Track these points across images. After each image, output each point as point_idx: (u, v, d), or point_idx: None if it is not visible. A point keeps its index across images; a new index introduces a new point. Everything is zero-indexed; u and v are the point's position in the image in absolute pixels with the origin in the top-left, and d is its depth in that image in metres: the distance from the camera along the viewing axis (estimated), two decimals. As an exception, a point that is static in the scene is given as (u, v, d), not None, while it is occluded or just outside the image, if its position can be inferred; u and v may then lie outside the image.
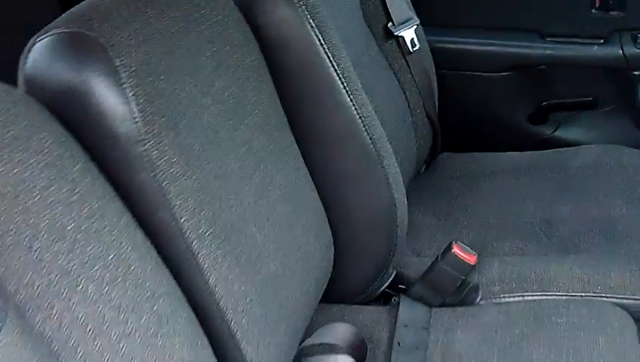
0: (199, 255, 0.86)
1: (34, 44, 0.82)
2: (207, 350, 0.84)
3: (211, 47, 0.98)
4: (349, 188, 1.21)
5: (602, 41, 1.70)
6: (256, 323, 0.92)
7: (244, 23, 1.07)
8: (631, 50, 1.68)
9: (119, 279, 0.76)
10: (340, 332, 1.13)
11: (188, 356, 0.81)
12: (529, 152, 1.66)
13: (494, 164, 1.64)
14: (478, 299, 1.23)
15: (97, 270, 0.74)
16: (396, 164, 1.22)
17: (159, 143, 0.83)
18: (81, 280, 0.73)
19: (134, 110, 0.81)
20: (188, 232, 0.85)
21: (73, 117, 0.80)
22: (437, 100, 1.67)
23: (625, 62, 1.68)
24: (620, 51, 1.68)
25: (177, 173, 0.84)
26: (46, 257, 0.71)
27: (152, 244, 0.82)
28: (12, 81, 0.82)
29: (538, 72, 1.76)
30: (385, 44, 1.52)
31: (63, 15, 0.85)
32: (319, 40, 1.13)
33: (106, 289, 0.74)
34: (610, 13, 1.68)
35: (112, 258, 0.76)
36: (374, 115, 1.20)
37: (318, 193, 1.17)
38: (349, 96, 1.15)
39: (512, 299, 1.21)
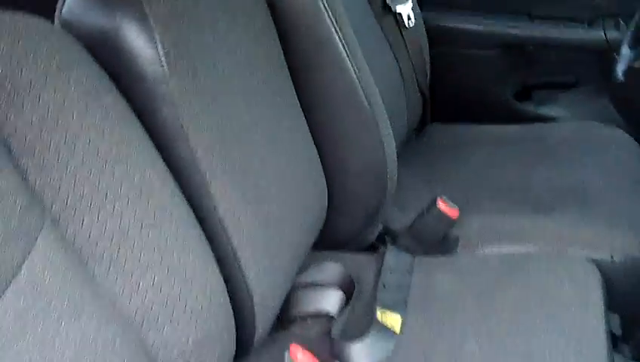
0: (211, 185, 0.97)
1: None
2: (215, 269, 0.95)
3: (226, 6, 1.09)
4: (344, 145, 1.31)
5: (586, 24, 1.81)
6: (257, 252, 1.03)
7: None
8: (613, 34, 1.79)
9: (142, 198, 0.86)
10: (329, 269, 1.24)
11: (199, 271, 0.92)
12: (512, 125, 1.78)
13: (480, 135, 1.76)
14: (457, 250, 1.35)
15: (124, 189, 0.85)
16: (389, 125, 1.33)
17: (180, 84, 0.94)
18: (110, 196, 0.83)
19: (161, 53, 0.91)
20: (202, 165, 0.96)
21: (105, 57, 0.90)
22: (429, 74, 1.78)
23: (606, 45, 1.79)
24: (603, 35, 1.80)
25: (195, 111, 0.95)
26: (79, 175, 0.82)
27: (170, 173, 0.93)
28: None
29: (525, 51, 1.87)
30: (383, 18, 1.63)
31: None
32: (324, 6, 1.23)
33: (130, 206, 0.85)
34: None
35: (137, 179, 0.86)
36: (371, 80, 1.31)
37: (316, 148, 1.28)
38: (350, 61, 1.26)
39: (489, 251, 1.33)
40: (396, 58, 1.64)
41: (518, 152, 1.66)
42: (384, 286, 1.23)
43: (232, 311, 0.97)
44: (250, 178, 1.04)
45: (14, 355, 0.71)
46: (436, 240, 1.36)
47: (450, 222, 1.35)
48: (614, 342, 1.18)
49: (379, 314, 1.15)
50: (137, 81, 0.91)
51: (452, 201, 1.38)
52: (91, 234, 0.82)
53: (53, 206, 0.80)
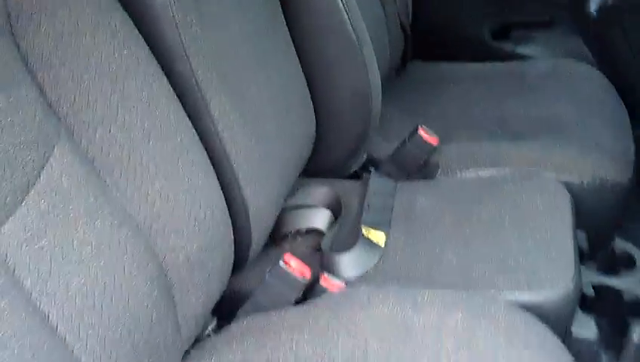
0: (210, 105, 1.04)
1: None
2: (215, 182, 1.03)
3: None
4: (331, 75, 1.38)
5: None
6: (253, 168, 1.11)
7: None
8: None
9: (149, 113, 0.93)
10: (318, 192, 1.33)
11: (201, 183, 0.99)
12: (490, 63, 1.85)
13: (459, 72, 1.84)
14: (437, 175, 1.43)
15: (132, 103, 0.92)
16: (374, 56, 1.40)
17: (183, 9, 1.00)
18: (120, 110, 0.90)
19: None
20: (202, 84, 1.02)
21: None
22: (410, 12, 1.85)
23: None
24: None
25: (196, 35, 1.02)
26: (92, 89, 0.88)
27: (173, 92, 1.00)
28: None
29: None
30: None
31: None
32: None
33: (139, 120, 0.92)
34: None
35: (144, 95, 0.93)
36: (358, 12, 1.38)
37: (305, 78, 1.35)
38: None
39: (467, 175, 1.42)
40: (380, -6, 1.70)
41: (495, 88, 1.73)
42: (368, 207, 1.31)
43: (230, 222, 1.05)
44: (245, 100, 1.11)
45: (37, 251, 0.79)
46: (417, 167, 1.44)
47: (431, 149, 1.43)
48: (581, 256, 1.28)
49: (364, 231, 1.23)
50: (146, 7, 0.97)
51: (432, 131, 1.46)
52: (103, 145, 0.88)
53: (68, 118, 0.86)
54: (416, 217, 1.29)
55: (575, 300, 1.13)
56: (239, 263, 1.12)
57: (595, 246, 1.35)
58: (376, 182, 1.38)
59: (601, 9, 1.76)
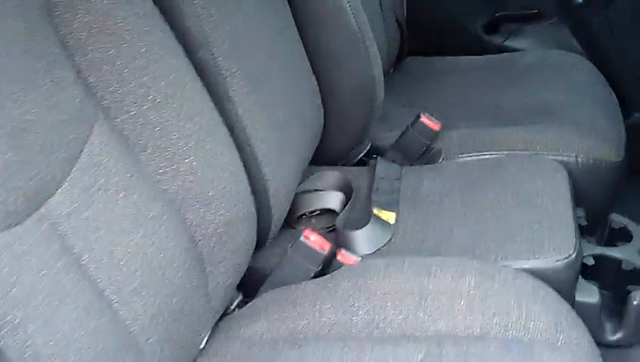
0: (231, 89, 1.10)
1: None
2: (239, 161, 1.09)
3: None
4: (336, 66, 1.45)
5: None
6: (272, 151, 1.17)
7: None
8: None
9: (177, 95, 0.99)
10: (329, 176, 1.39)
11: (227, 161, 1.05)
12: (483, 56, 1.93)
13: (453, 65, 1.91)
14: (440, 160, 1.50)
15: (162, 85, 0.98)
16: (376, 47, 1.47)
17: (205, 2, 1.07)
18: (151, 91, 0.96)
19: None
20: (223, 70, 1.09)
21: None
22: (405, 9, 1.92)
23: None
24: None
25: (216, 23, 1.08)
26: (125, 72, 0.94)
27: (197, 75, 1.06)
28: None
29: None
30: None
31: None
32: None
33: (169, 101, 0.98)
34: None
35: (172, 78, 0.99)
36: (360, 5, 1.44)
37: (312, 69, 1.42)
38: None
39: (468, 158, 1.48)
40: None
41: (489, 79, 1.81)
42: (377, 189, 1.37)
43: (253, 200, 1.11)
44: (260, 85, 1.17)
45: (84, 221, 0.84)
46: (420, 153, 1.50)
47: (433, 135, 1.50)
48: (580, 232, 1.34)
49: (375, 211, 1.29)
50: (169, -2, 1.04)
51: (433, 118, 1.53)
52: (137, 124, 0.94)
53: (105, 98, 0.92)
54: (423, 198, 1.35)
55: (578, 267, 1.20)
56: (260, 241, 1.17)
57: (593, 222, 1.41)
58: (382, 166, 1.44)
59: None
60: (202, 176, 1.00)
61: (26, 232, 0.77)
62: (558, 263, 1.15)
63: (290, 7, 1.37)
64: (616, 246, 1.37)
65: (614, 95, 1.76)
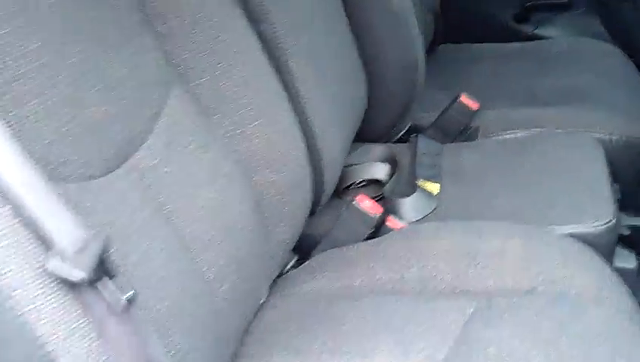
0: (290, 62, 1.17)
1: None
2: (298, 130, 1.15)
3: None
4: (381, 48, 1.51)
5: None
6: (325, 121, 1.24)
7: None
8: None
9: (243, 63, 1.07)
10: (374, 150, 1.45)
11: (288, 128, 1.13)
12: (515, 43, 1.99)
13: (486, 51, 1.97)
14: (478, 138, 1.56)
15: (230, 54, 1.05)
16: (417, 27, 1.54)
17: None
18: (222, 59, 1.03)
19: None
20: (282, 44, 1.16)
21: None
22: (439, -2, 1.99)
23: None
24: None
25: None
26: (199, 40, 1.01)
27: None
28: None
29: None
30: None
31: None
32: None
33: (237, 68, 1.05)
34: None
35: (238, 48, 1.06)
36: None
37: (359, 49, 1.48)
38: None
39: (507, 136, 1.54)
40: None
41: (522, 64, 1.86)
42: (420, 163, 1.43)
43: (310, 166, 1.17)
44: (315, 60, 1.24)
45: (166, 174, 0.91)
46: (459, 131, 1.56)
47: (471, 114, 1.56)
48: (616, 206, 1.40)
49: (420, 183, 1.35)
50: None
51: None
52: (209, 88, 1.02)
53: (181, 64, 0.99)
54: (464, 172, 1.41)
55: (616, 233, 1.25)
56: (313, 207, 1.24)
57: (627, 196, 1.47)
58: (423, 143, 1.50)
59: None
60: (266, 140, 1.07)
61: (118, 179, 0.83)
62: (599, 228, 1.21)
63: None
64: (650, 217, 1.43)
65: (645, 80, 1.82)
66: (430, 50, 1.99)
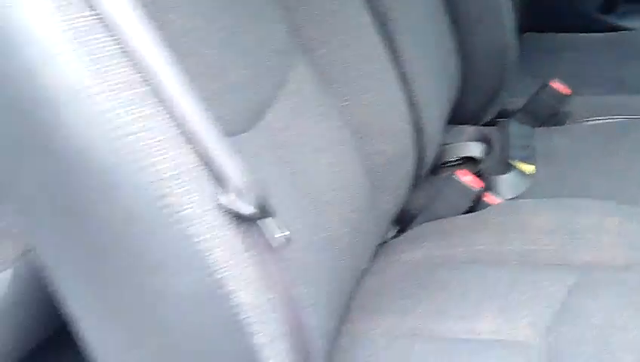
0: (397, 37, 1.21)
1: None
2: (405, 103, 1.20)
3: None
4: (475, 31, 1.55)
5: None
6: (427, 97, 1.28)
7: None
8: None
9: (359, 38, 1.13)
10: (467, 131, 1.49)
11: (396, 101, 1.18)
12: (600, 33, 2.00)
13: (572, 41, 1.99)
14: (568, 123, 1.58)
15: (347, 29, 1.12)
16: (511, 12, 1.57)
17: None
18: (338, 32, 1.11)
19: None
20: (392, 22, 1.21)
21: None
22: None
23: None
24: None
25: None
26: (318, 14, 1.08)
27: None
28: None
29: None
30: None
31: None
32: None
33: (352, 42, 1.12)
34: None
35: (354, 24, 1.13)
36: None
37: (453, 33, 1.52)
38: None
39: (598, 121, 1.56)
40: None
41: (609, 53, 1.88)
42: (513, 145, 1.47)
43: (412, 139, 1.22)
44: (419, 37, 1.29)
45: (293, 137, 0.97)
46: (549, 115, 1.59)
47: (563, 99, 1.59)
48: None
49: (514, 163, 1.39)
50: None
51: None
52: (328, 60, 1.07)
53: (302, 35, 1.05)
54: (557, 155, 1.44)
55: None
56: (414, 181, 1.28)
57: None
58: (514, 126, 1.54)
59: None
60: (378, 111, 1.12)
61: (252, 139, 0.89)
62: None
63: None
64: None
65: None
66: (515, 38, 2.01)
